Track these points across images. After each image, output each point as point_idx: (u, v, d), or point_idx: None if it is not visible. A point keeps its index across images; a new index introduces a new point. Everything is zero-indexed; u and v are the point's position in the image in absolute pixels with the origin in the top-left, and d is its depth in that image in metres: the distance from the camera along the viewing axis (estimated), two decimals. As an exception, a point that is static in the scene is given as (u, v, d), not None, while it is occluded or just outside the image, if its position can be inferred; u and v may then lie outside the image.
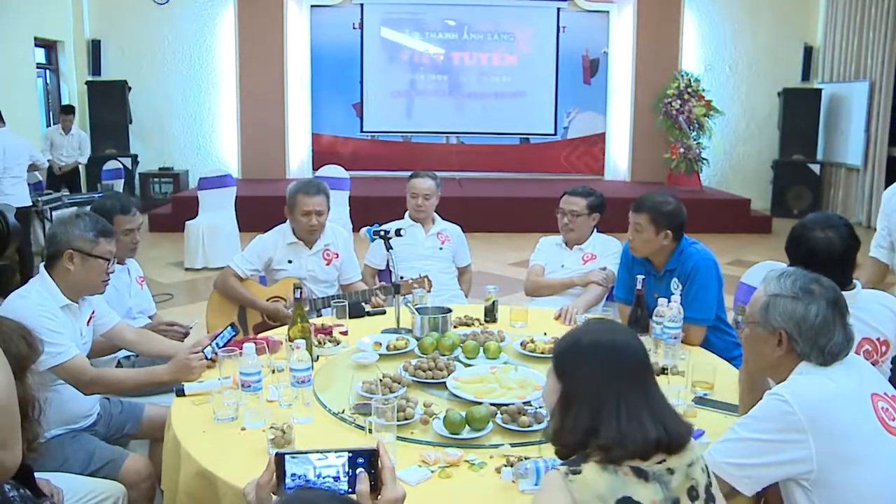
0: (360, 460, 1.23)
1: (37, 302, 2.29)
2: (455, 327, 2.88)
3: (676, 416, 1.41)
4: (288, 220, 3.49)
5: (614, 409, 1.35)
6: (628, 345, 1.42)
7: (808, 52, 10.55)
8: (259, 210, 7.30)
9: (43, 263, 2.41)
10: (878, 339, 2.17)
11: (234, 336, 2.51)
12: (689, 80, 9.95)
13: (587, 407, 1.37)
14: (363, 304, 3.20)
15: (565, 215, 3.51)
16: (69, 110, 8.60)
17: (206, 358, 2.43)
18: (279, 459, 1.22)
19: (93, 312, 2.51)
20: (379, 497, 1.24)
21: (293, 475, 1.24)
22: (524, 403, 2.04)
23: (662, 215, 2.79)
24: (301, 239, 3.47)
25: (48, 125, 9.42)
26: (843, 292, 2.07)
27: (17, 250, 5.41)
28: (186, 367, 2.37)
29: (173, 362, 2.41)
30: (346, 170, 8.09)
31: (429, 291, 3.23)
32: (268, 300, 3.38)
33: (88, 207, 3.09)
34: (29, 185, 6.68)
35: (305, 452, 1.24)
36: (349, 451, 1.24)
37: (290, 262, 3.45)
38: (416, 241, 3.75)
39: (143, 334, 2.71)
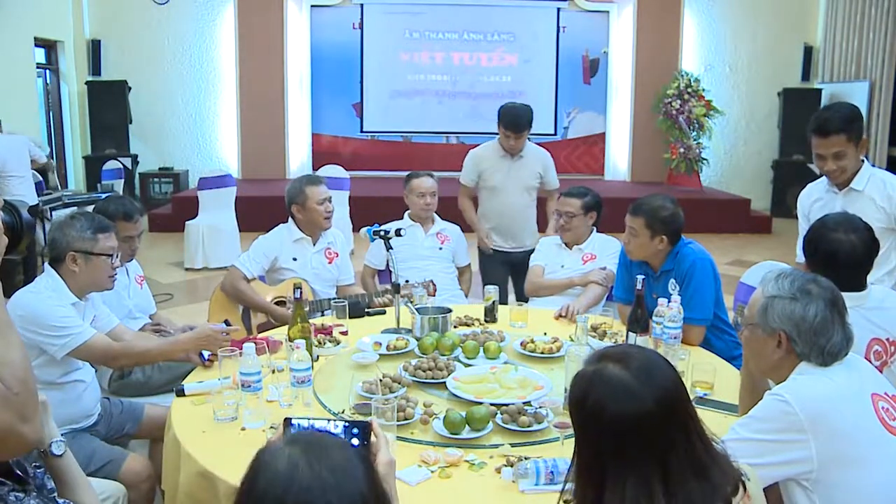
0: (356, 431, 1.31)
1: (46, 295, 2.32)
2: (455, 327, 2.89)
3: (707, 479, 1.18)
4: (291, 219, 3.49)
5: (618, 489, 1.17)
6: (637, 413, 1.17)
7: (808, 52, 10.55)
8: (259, 210, 7.31)
9: (47, 262, 2.42)
10: (887, 340, 2.16)
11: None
12: (689, 80, 9.93)
13: (591, 485, 1.21)
14: (366, 307, 3.20)
15: (561, 216, 3.52)
16: None
17: (204, 360, 2.44)
18: (287, 422, 1.30)
19: (94, 317, 2.52)
20: None
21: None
22: (524, 403, 2.04)
23: (659, 221, 2.78)
24: (308, 234, 3.47)
25: (48, 125, 9.39)
26: (856, 293, 2.08)
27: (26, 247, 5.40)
28: (210, 337, 2.41)
29: (197, 330, 2.44)
30: (346, 170, 8.10)
31: (432, 295, 3.23)
32: (273, 300, 3.38)
33: (89, 208, 3.09)
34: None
35: (311, 419, 1.33)
36: (345, 422, 1.34)
37: (294, 259, 3.44)
38: (415, 241, 3.76)
39: (142, 337, 2.71)
